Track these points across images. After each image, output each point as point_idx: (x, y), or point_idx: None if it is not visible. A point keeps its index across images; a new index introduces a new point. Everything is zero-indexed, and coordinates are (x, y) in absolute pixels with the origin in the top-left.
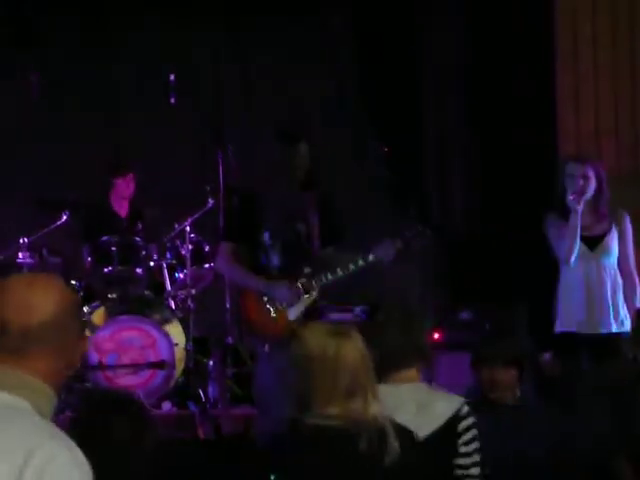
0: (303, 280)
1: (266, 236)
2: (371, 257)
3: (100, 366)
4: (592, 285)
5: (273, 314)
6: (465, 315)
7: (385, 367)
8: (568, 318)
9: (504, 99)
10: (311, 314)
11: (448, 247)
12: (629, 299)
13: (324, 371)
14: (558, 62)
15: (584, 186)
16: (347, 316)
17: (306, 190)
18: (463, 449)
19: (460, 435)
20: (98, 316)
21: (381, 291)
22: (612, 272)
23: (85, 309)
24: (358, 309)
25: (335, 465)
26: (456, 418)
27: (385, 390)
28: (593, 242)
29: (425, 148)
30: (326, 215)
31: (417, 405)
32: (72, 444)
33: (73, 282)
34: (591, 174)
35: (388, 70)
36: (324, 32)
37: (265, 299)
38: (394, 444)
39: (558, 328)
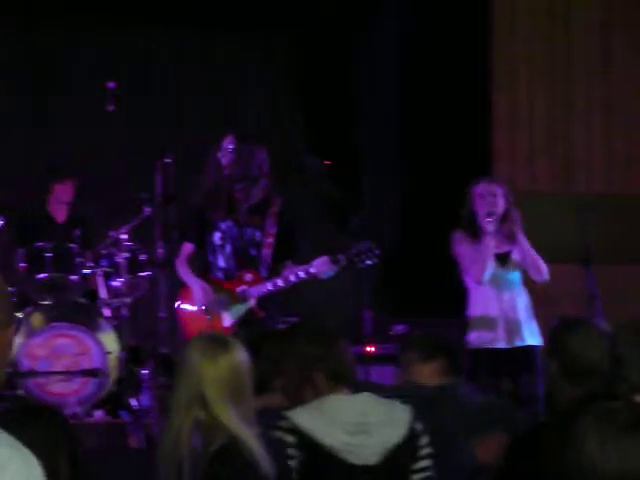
0: (243, 287)
1: (217, 237)
2: (312, 271)
3: (32, 373)
4: (505, 300)
5: (210, 320)
6: (399, 328)
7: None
8: (484, 335)
9: (439, 119)
10: (249, 322)
11: (385, 260)
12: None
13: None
14: (494, 84)
15: (494, 204)
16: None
17: (267, 200)
18: (423, 452)
19: (419, 436)
20: (37, 320)
21: (311, 304)
22: (521, 287)
23: (18, 315)
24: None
25: None
26: (412, 421)
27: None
28: (503, 259)
29: (359, 168)
30: (285, 229)
31: (381, 412)
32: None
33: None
34: (499, 193)
35: (324, 89)
36: (261, 48)
37: (205, 305)
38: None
39: (473, 345)
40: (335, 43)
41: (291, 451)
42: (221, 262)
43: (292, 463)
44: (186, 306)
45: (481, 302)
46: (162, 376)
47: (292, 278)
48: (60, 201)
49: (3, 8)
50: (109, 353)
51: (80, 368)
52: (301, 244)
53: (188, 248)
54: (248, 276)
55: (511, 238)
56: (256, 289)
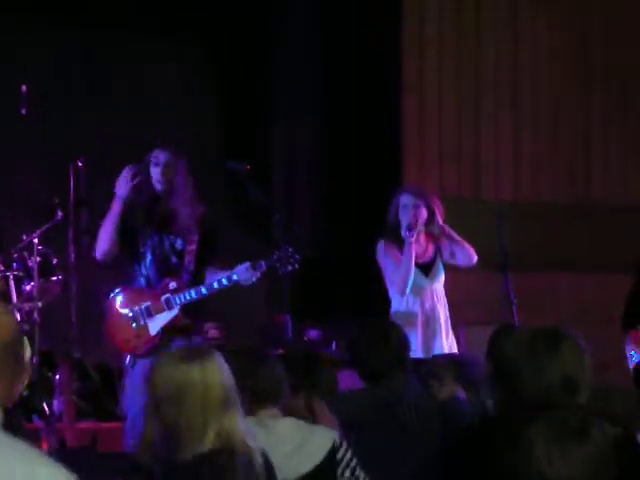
0: (167, 296)
1: (139, 244)
2: (235, 277)
3: None
4: (427, 310)
5: (135, 329)
6: (313, 333)
7: (257, 402)
8: None
9: (353, 126)
10: (176, 330)
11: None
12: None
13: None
14: (404, 90)
15: (416, 216)
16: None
17: (182, 205)
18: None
19: (339, 464)
20: None
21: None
22: (442, 296)
23: None
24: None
25: None
26: (333, 450)
27: (258, 426)
28: (426, 268)
29: (273, 173)
30: (206, 236)
31: (294, 442)
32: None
33: None
34: (421, 204)
35: (239, 92)
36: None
37: (130, 314)
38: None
39: None
40: (249, 48)
41: None
42: (143, 270)
43: None
44: (113, 314)
45: (403, 310)
46: (75, 381)
47: (215, 285)
48: None
49: None
50: None
51: None
52: (222, 250)
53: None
54: (172, 284)
55: (437, 237)
56: (180, 297)
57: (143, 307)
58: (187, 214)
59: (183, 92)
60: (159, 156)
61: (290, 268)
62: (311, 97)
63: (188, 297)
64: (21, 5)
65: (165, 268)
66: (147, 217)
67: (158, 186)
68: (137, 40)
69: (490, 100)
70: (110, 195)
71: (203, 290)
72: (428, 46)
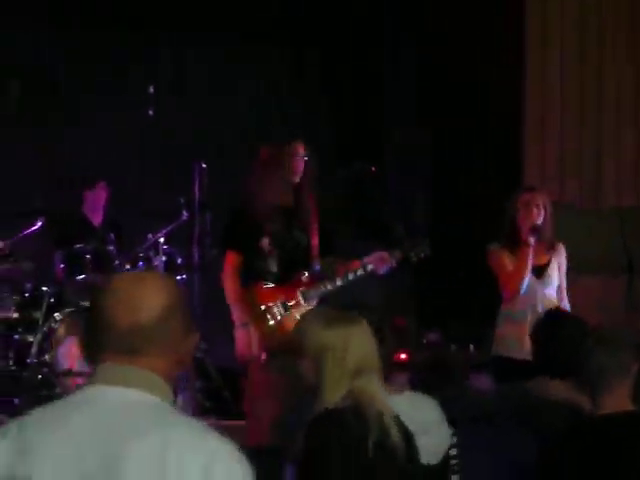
0: (302, 289)
1: (265, 242)
2: (369, 267)
3: (69, 372)
4: (537, 312)
5: (271, 323)
6: (432, 336)
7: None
8: (509, 343)
9: (472, 128)
10: None
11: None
12: None
13: (334, 359)
14: (527, 98)
15: (538, 215)
16: None
17: (306, 200)
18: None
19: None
20: (75, 321)
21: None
22: (554, 301)
23: (56, 316)
24: None
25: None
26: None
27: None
28: (539, 271)
29: (387, 176)
30: (324, 228)
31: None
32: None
33: (44, 289)
34: (542, 204)
35: (353, 92)
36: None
37: (263, 308)
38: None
39: (496, 352)
40: (367, 51)
41: None
42: (273, 267)
43: None
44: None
45: (513, 312)
46: (197, 379)
47: (350, 276)
48: (93, 207)
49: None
50: None
51: None
52: (338, 245)
53: (235, 258)
54: (305, 277)
55: (550, 248)
56: (316, 290)
57: (279, 303)
58: (311, 208)
59: (295, 93)
60: (299, 147)
61: (422, 255)
62: (428, 103)
63: (324, 289)
64: (149, 9)
65: (293, 263)
66: (273, 213)
67: (294, 178)
68: (249, 42)
69: (612, 115)
70: (231, 197)
71: (338, 282)
72: (551, 51)
